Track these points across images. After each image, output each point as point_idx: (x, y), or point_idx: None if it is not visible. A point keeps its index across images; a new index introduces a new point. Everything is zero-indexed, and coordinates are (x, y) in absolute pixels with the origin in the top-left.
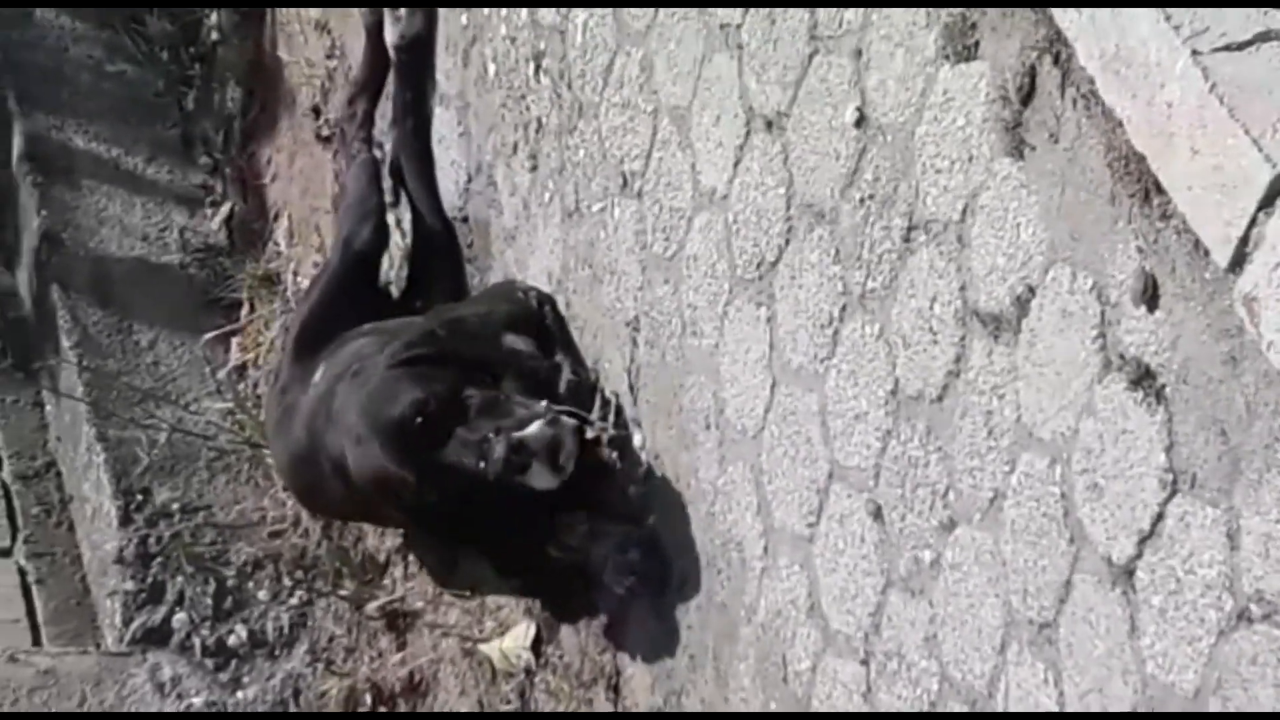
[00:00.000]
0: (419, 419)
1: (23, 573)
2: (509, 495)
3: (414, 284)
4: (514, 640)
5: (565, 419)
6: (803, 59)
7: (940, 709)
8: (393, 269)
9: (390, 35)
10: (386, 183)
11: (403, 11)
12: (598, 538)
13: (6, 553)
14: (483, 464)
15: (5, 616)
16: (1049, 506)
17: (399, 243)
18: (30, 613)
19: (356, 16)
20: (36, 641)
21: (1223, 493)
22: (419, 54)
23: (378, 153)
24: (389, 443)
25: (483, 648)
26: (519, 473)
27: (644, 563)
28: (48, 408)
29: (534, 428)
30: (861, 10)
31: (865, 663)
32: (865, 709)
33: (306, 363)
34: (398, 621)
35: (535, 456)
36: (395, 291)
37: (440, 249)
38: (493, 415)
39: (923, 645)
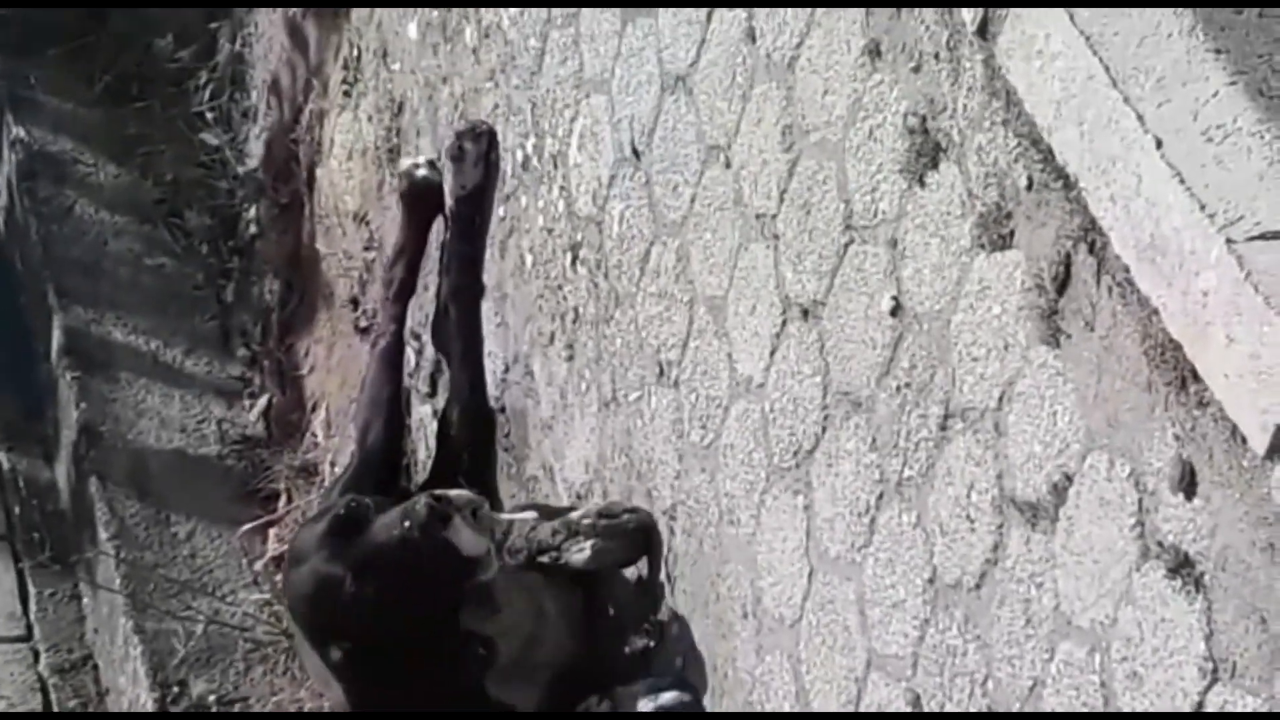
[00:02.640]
0: (352, 505)
1: None
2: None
3: (438, 477)
4: None
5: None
6: (838, 249)
7: None
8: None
9: (450, 185)
10: (427, 356)
11: (422, 160)
12: (621, 701)
13: None
14: (407, 523)
15: None
16: (1089, 695)
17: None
18: None
19: (394, 209)
20: None
21: (1263, 681)
22: (476, 203)
23: (413, 343)
24: (323, 538)
25: None
26: (443, 524)
27: (680, 691)
28: (85, 600)
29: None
30: (897, 200)
31: None
32: None
33: None
34: None
35: (460, 511)
36: (412, 484)
37: (472, 435)
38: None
39: None
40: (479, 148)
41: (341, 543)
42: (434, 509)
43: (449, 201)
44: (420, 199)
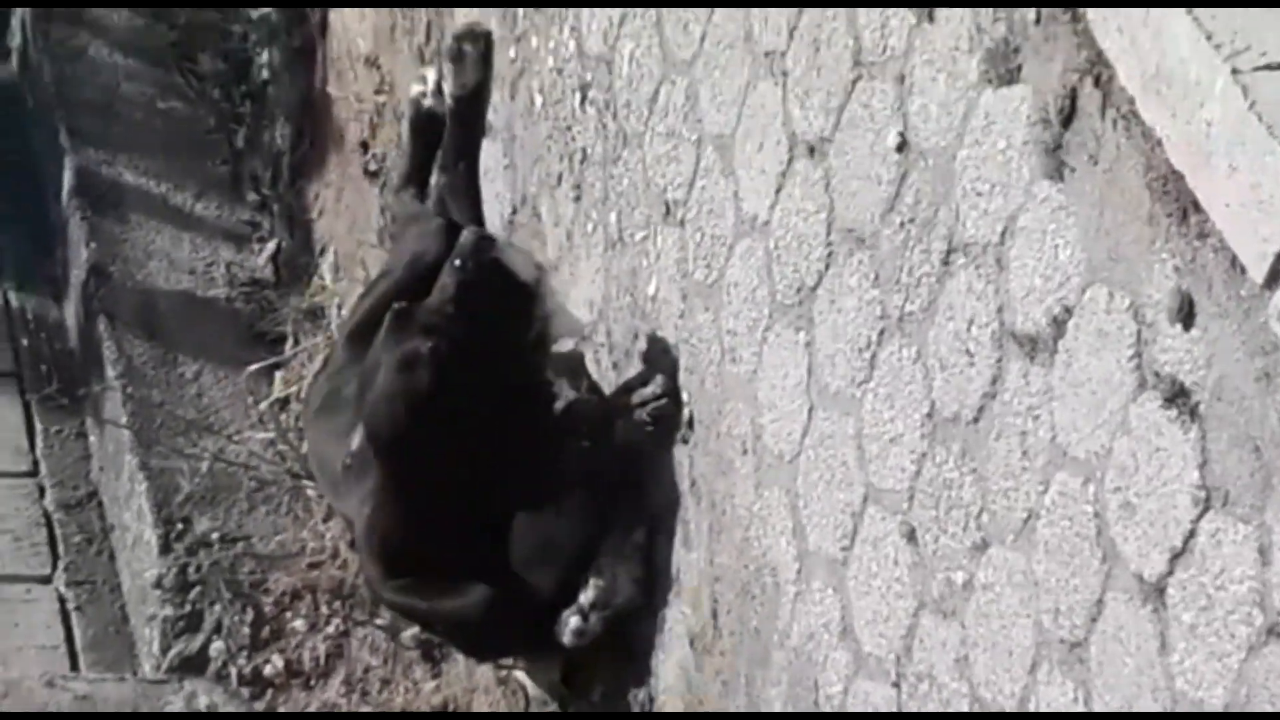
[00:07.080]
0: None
1: (62, 600)
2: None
3: None
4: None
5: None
6: (846, 85)
7: None
8: None
9: (450, 85)
10: None
11: (430, 85)
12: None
13: (47, 580)
14: (458, 261)
15: (45, 643)
16: (1082, 525)
17: None
18: (69, 639)
19: (406, 51)
20: (75, 668)
21: (1255, 509)
22: (475, 102)
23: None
24: (387, 339)
25: (517, 675)
26: (491, 244)
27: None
28: (91, 438)
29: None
30: (905, 36)
31: (897, 685)
32: None
33: (356, 352)
34: (433, 651)
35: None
36: None
37: None
38: None
39: (954, 667)
40: (477, 49)
41: (405, 328)
42: (479, 234)
43: (449, 102)
44: (427, 126)
